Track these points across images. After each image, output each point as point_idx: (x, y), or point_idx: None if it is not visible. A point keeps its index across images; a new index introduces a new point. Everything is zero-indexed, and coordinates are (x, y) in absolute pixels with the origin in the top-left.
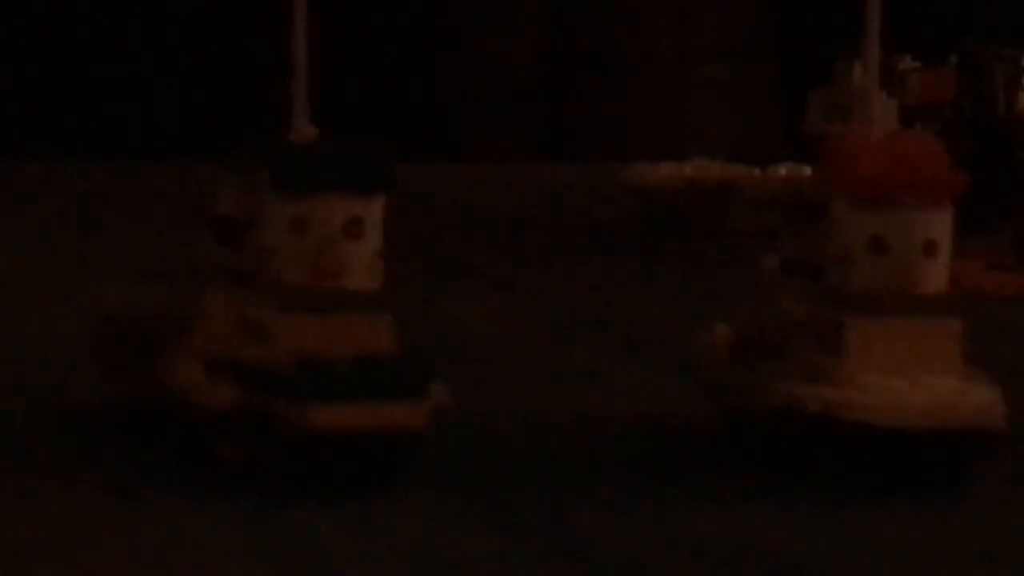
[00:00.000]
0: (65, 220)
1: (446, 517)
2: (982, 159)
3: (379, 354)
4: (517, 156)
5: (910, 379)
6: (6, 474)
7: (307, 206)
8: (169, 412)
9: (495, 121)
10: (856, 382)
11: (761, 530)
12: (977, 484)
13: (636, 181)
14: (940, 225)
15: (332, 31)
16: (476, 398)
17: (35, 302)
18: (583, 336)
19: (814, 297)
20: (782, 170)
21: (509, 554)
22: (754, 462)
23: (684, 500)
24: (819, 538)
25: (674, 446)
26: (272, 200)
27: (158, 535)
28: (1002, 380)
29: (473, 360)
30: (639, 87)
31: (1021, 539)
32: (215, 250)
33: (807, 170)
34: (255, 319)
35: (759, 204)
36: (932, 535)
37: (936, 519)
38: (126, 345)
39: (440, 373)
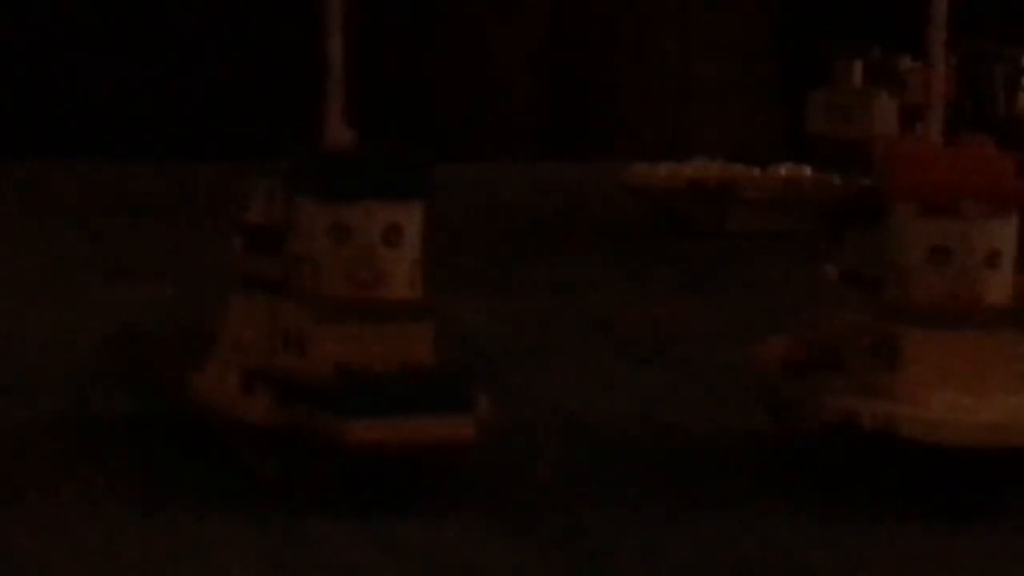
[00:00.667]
0: (87, 220)
1: (467, 528)
2: None
3: (421, 365)
4: (517, 156)
5: (972, 395)
6: (24, 484)
7: (346, 213)
8: (197, 424)
9: (495, 121)
10: (915, 398)
11: (799, 545)
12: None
13: (636, 181)
14: (1004, 234)
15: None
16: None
17: (51, 304)
18: (584, 337)
19: (871, 308)
20: (782, 170)
21: (530, 567)
22: (791, 477)
23: (710, 512)
24: (856, 554)
25: (684, 453)
26: (309, 207)
27: (177, 548)
28: None
29: (476, 361)
30: (639, 87)
31: None
32: (246, 258)
33: (807, 170)
34: (291, 329)
35: (759, 204)
36: (974, 560)
37: (975, 540)
38: (146, 354)
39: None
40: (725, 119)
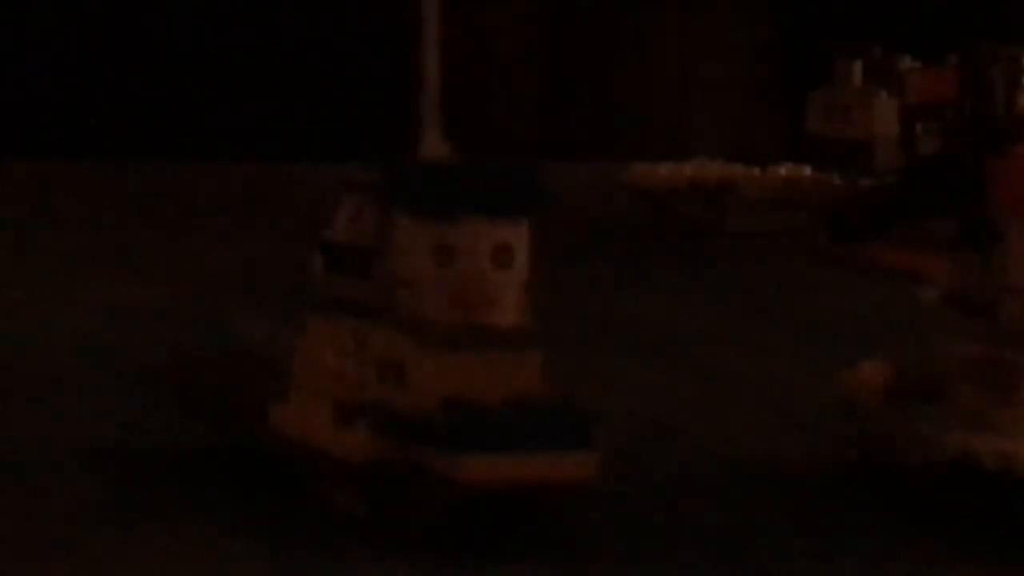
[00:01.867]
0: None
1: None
2: (982, 158)
3: (530, 396)
4: (517, 156)
5: None
6: (82, 517)
7: (451, 233)
8: (275, 458)
9: (495, 120)
10: None
11: None
12: None
13: (636, 181)
14: None
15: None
16: None
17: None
18: (584, 337)
19: (983, 335)
20: (782, 170)
21: None
22: (891, 513)
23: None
24: None
25: (695, 455)
26: (409, 226)
27: None
28: None
29: None
30: (639, 87)
31: None
32: (328, 278)
33: (807, 170)
34: (389, 358)
35: (759, 204)
36: None
37: None
38: (200, 379)
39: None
40: (725, 119)
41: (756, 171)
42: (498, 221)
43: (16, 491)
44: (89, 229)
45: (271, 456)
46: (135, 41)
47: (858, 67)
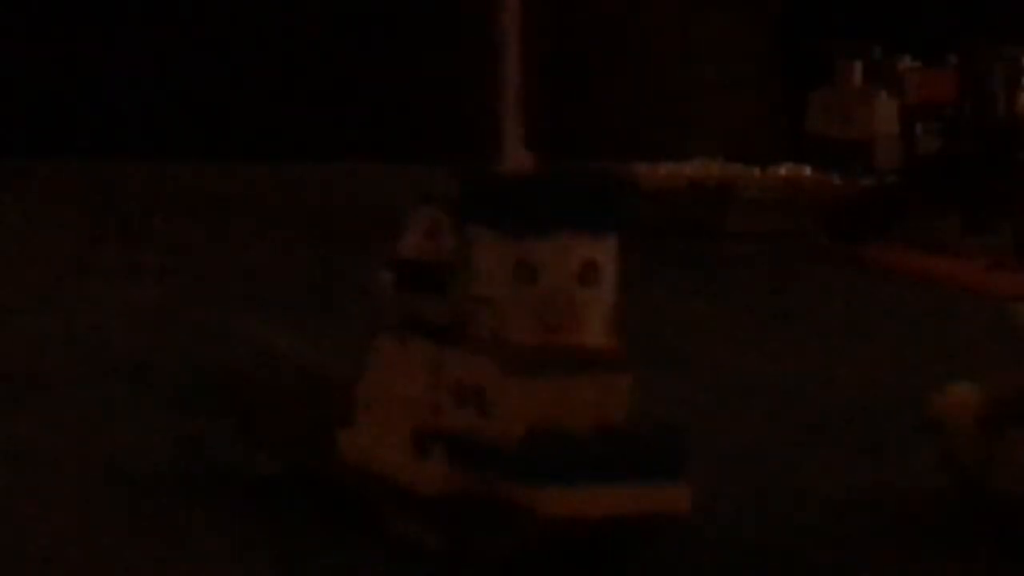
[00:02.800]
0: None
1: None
2: (982, 159)
3: (621, 424)
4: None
5: None
6: (132, 537)
7: (535, 249)
8: (343, 488)
9: (493, 120)
10: None
11: None
12: None
13: (635, 181)
14: None
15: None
16: None
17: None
18: None
19: None
20: (782, 170)
21: None
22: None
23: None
24: None
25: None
26: (490, 241)
27: None
28: None
29: None
30: (639, 87)
31: None
32: (399, 296)
33: (807, 170)
34: (468, 382)
35: (759, 204)
36: None
37: None
38: (255, 400)
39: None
40: (725, 119)
41: (756, 171)
42: (584, 236)
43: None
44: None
45: (338, 484)
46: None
47: (858, 67)
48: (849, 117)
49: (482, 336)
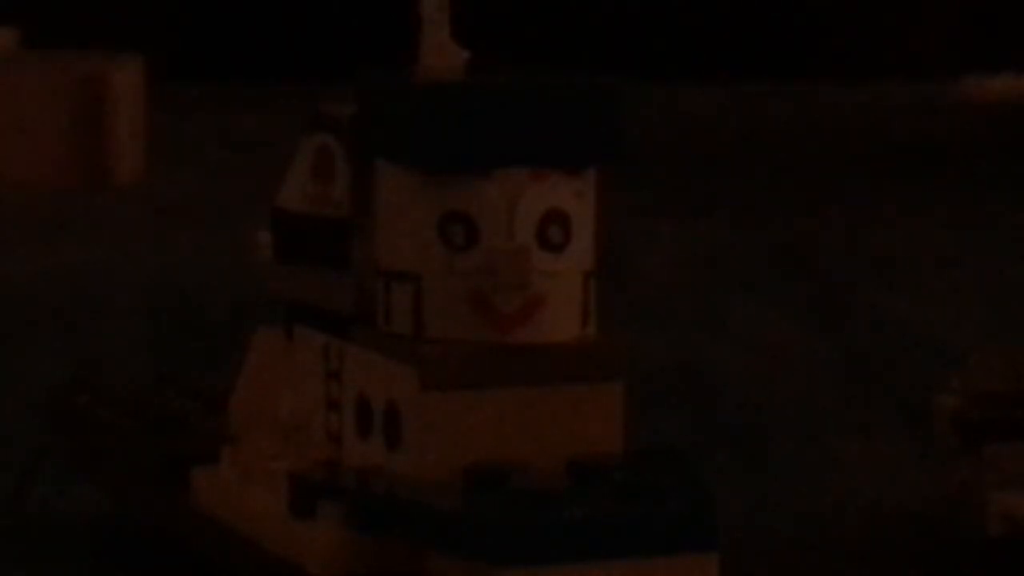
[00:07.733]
0: None
1: None
2: None
3: (609, 458)
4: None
5: None
6: None
7: (472, 194)
8: (193, 546)
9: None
10: None
11: None
12: None
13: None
14: None
15: None
16: None
17: None
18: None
19: None
20: None
21: None
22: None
23: None
24: None
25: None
26: (404, 185)
27: None
28: None
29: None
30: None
31: None
32: (279, 269)
33: None
34: (374, 398)
35: None
36: None
37: None
38: (103, 431)
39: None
40: None
41: None
42: (547, 175)
43: None
44: None
45: (188, 542)
46: None
47: None
48: None
49: (395, 330)
